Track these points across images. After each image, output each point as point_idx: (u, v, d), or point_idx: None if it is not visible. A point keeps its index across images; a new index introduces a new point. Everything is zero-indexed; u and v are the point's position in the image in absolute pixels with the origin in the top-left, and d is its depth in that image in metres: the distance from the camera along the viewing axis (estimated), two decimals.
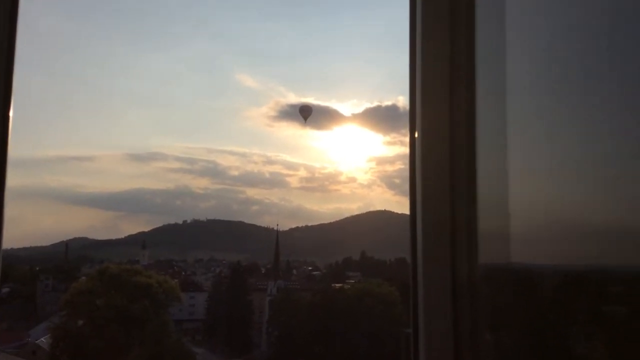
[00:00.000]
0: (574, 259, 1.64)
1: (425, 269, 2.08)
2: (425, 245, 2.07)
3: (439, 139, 2.10)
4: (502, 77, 2.03)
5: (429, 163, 2.10)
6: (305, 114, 78.84)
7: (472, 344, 1.96)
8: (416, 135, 2.14)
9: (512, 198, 2.01)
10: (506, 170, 2.02)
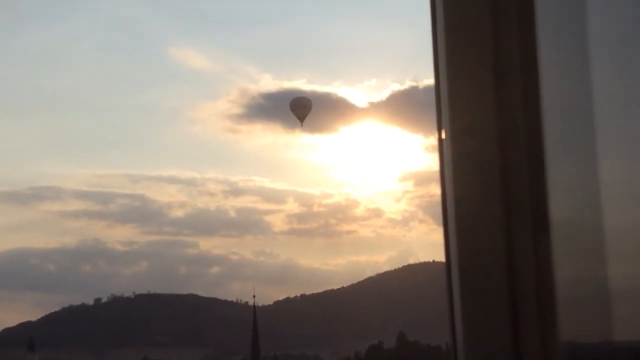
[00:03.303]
0: None
1: (467, 356, 1.92)
2: (466, 316, 1.92)
3: (479, 140, 1.95)
4: (582, 39, 1.91)
5: (464, 179, 1.96)
6: (300, 111, 62.57)
7: None
8: (443, 135, 2.02)
9: (609, 230, 1.85)
10: (597, 182, 1.87)
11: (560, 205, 1.93)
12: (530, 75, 1.97)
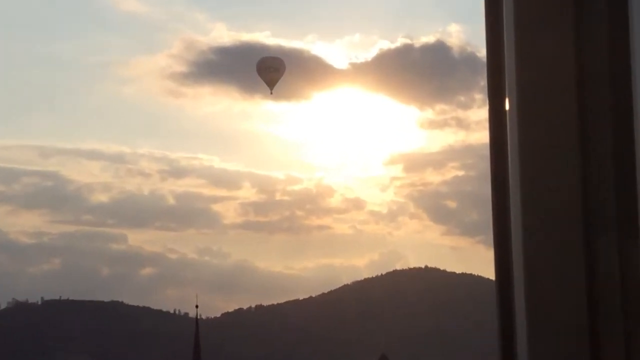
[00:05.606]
0: None
1: None
2: (533, 348, 1.73)
3: (553, 112, 1.73)
4: None
5: (535, 164, 1.74)
6: (270, 75, 51.32)
7: None
8: (507, 105, 1.79)
9: None
10: None
11: None
12: (619, 28, 1.74)
